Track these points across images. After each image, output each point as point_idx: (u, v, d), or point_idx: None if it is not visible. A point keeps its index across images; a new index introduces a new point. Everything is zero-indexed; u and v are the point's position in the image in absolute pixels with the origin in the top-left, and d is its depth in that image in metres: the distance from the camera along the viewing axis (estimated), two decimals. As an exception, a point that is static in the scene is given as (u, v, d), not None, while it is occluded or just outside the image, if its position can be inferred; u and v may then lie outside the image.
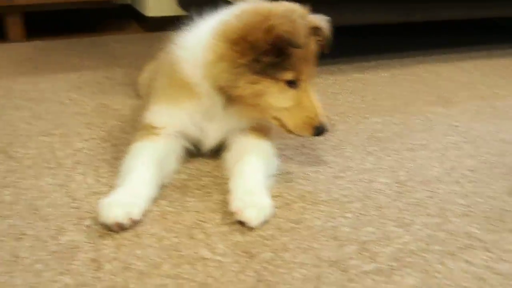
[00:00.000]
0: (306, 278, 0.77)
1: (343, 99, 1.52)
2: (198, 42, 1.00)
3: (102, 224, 0.87)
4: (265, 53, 0.94)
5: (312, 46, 1.01)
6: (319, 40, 1.03)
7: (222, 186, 1.01)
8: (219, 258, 0.82)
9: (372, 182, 1.05)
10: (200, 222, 0.91)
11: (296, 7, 0.99)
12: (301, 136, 1.03)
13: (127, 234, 0.86)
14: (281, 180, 1.04)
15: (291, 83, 0.98)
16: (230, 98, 0.99)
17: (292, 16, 0.94)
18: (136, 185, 0.93)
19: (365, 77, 1.74)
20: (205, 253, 0.83)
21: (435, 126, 1.35)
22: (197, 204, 0.96)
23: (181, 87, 1.03)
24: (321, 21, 1.03)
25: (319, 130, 1.00)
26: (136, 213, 0.88)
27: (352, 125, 1.34)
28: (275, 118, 1.02)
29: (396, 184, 1.05)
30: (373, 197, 1.00)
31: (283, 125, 1.02)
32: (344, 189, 1.02)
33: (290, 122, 1.01)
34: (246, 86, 0.97)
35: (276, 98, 0.98)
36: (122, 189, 0.92)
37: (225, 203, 0.95)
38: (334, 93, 1.57)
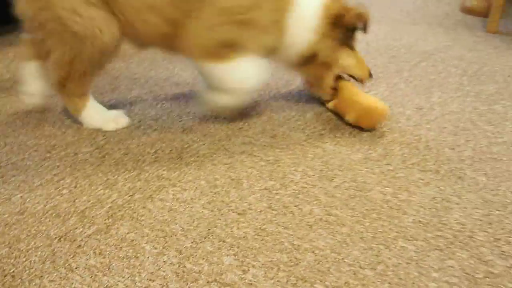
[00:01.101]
0: (43, 259, 0.95)
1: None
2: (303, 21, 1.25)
3: None
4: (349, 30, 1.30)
5: None
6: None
7: None
8: (-41, 268, 0.93)
9: (76, 154, 1.24)
10: None
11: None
12: (363, 79, 1.39)
13: None
14: (-5, 176, 1.15)
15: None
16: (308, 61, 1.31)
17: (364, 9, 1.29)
18: None
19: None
20: None
21: (120, 83, 1.57)
22: None
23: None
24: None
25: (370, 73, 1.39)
26: None
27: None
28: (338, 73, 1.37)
29: (97, 150, 1.25)
30: (80, 168, 1.19)
31: (351, 76, 1.39)
32: (54, 168, 1.18)
33: (357, 72, 1.38)
34: (333, 54, 1.32)
35: (347, 59, 1.35)
36: None
37: None
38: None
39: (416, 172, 1.18)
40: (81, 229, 1.01)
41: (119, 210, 1.06)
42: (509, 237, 0.99)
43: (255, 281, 0.88)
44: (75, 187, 1.13)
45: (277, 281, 0.88)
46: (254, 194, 1.10)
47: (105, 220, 1.03)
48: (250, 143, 1.27)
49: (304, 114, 1.40)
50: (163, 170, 1.18)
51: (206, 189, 1.11)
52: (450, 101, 1.48)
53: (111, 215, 1.04)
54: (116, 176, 1.16)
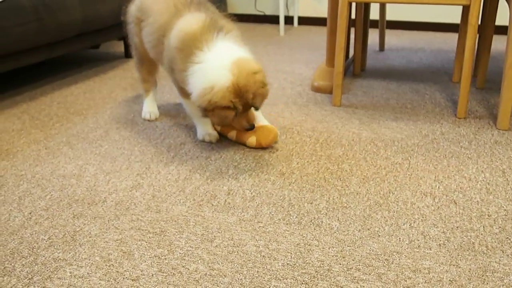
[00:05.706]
0: None
1: None
2: None
3: None
4: None
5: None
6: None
7: None
8: None
9: (-29, 250, 1.30)
10: None
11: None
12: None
13: None
14: None
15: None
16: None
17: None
18: None
19: None
20: None
21: (7, 180, 1.65)
22: None
23: None
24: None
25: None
26: None
27: None
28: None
29: (-9, 244, 1.33)
30: (-24, 262, 1.26)
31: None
32: (-51, 265, 1.24)
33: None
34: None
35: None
36: None
37: None
38: None
39: (282, 225, 1.39)
40: (-16, 315, 1.08)
41: (19, 293, 1.14)
42: (358, 265, 1.23)
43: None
44: (-27, 279, 1.19)
45: (172, 329, 1.02)
46: (145, 261, 1.24)
47: (7, 304, 1.11)
48: (138, 219, 1.42)
49: (184, 190, 1.59)
50: (59, 252, 1.28)
51: (100, 263, 1.24)
52: (307, 165, 1.75)
53: (12, 299, 1.13)
54: (13, 264, 1.24)
